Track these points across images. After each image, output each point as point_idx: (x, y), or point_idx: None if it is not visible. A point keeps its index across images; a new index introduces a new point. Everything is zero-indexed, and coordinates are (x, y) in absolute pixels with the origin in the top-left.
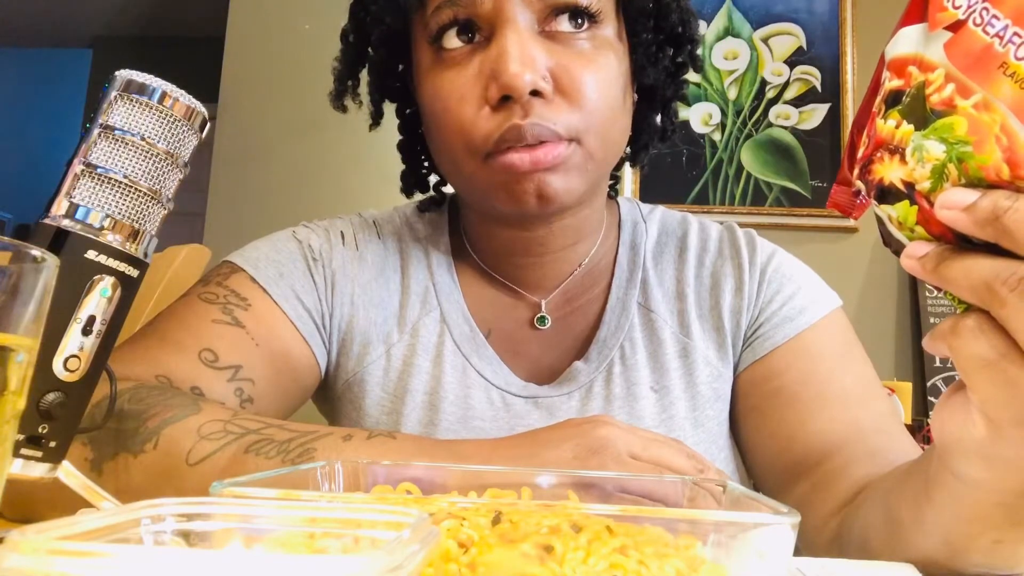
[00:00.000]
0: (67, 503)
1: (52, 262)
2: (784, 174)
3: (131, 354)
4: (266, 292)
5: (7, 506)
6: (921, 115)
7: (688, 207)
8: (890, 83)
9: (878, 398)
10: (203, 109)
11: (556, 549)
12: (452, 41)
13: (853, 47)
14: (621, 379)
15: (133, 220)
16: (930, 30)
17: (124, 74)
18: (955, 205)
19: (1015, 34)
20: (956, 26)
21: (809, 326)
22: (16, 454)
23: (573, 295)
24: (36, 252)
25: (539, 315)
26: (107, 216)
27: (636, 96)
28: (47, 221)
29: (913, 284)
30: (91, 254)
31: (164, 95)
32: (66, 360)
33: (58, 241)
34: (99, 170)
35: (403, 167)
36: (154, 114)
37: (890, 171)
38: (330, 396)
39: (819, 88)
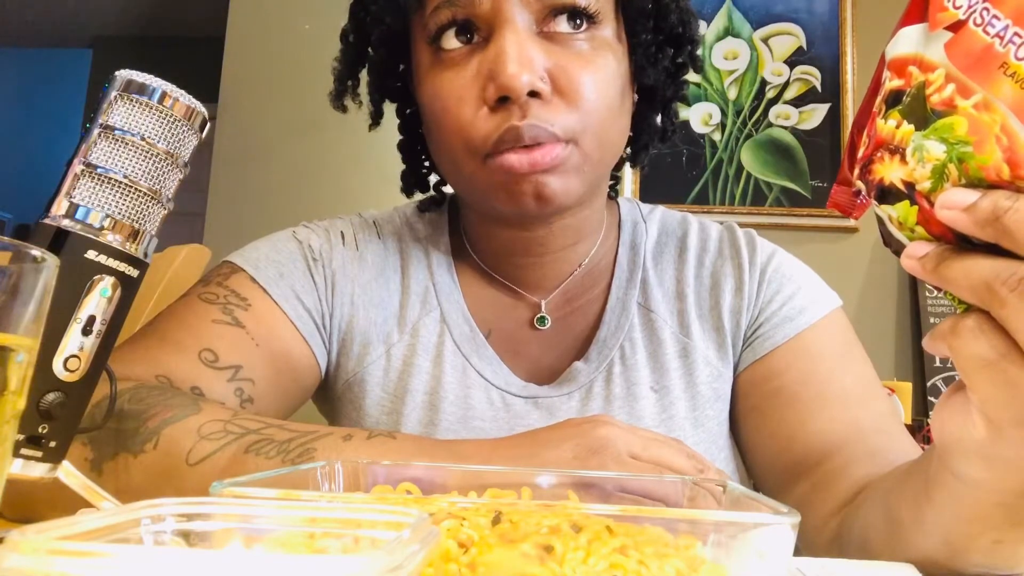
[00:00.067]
0: (67, 503)
1: (52, 262)
2: (784, 174)
3: (131, 354)
4: (266, 292)
5: (7, 506)
6: (921, 115)
7: (688, 207)
8: (890, 83)
9: (878, 398)
10: (203, 109)
11: (556, 549)
12: (451, 41)
13: (853, 47)
14: (621, 379)
15: (133, 220)
16: (930, 30)
17: (124, 74)
18: (955, 205)
19: (1015, 34)
20: (956, 26)
21: (809, 326)
22: (16, 454)
23: (573, 295)
24: (36, 252)
25: (539, 315)
26: (107, 216)
27: (636, 97)
28: (47, 221)
29: (913, 284)
30: (91, 254)
31: (164, 95)
32: (66, 360)
33: (58, 241)
34: (99, 170)
35: (403, 167)
36: (154, 114)
37: (890, 171)
38: (330, 396)
39: (819, 88)
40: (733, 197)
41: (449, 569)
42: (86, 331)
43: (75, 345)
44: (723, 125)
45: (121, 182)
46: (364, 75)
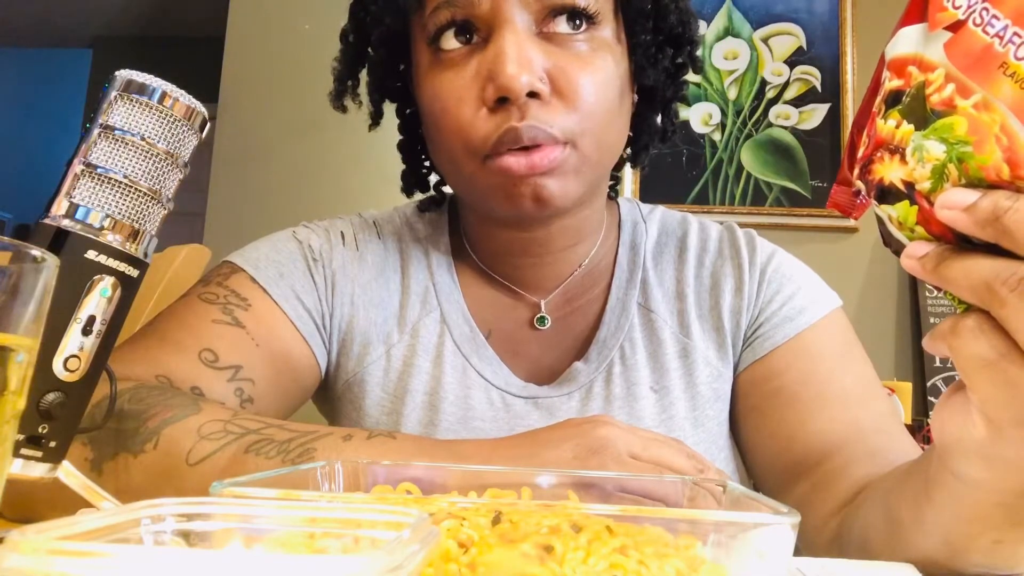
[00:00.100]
0: (67, 503)
1: (52, 262)
2: (784, 174)
3: (131, 354)
4: (266, 292)
5: (7, 506)
6: (921, 115)
7: (688, 207)
8: (890, 83)
9: (878, 398)
10: (203, 109)
11: (556, 549)
12: (450, 42)
13: (853, 47)
14: (621, 379)
15: (133, 220)
16: (930, 30)
17: (124, 74)
18: (955, 205)
19: (1015, 34)
20: (956, 26)
21: (809, 326)
22: (16, 454)
23: (573, 295)
24: (36, 252)
25: (539, 315)
26: (107, 216)
27: (636, 97)
28: (47, 221)
29: (913, 284)
30: (91, 254)
31: (164, 95)
32: (66, 360)
33: (58, 241)
34: (99, 170)
35: (403, 167)
36: (154, 114)
37: (890, 171)
38: (330, 396)
39: (819, 88)
40: (733, 197)
41: (449, 569)
42: (86, 331)
43: (75, 345)
44: (723, 125)
45: (121, 182)
46: (364, 75)
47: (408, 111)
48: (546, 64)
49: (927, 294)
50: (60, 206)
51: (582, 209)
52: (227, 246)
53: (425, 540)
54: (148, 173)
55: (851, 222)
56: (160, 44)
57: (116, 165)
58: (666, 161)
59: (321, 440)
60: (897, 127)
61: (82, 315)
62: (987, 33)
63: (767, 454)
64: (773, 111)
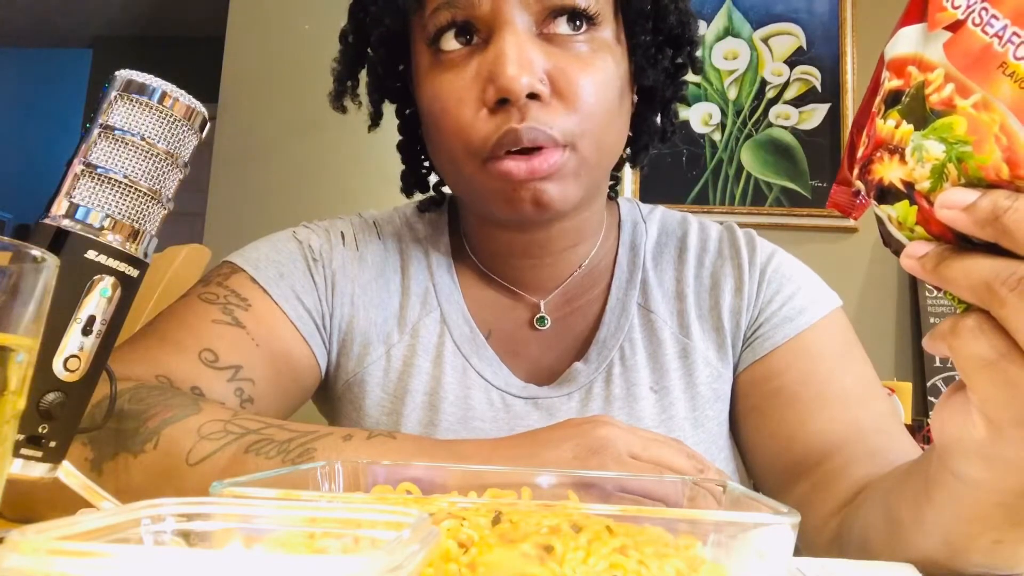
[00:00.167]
0: (67, 503)
1: (52, 262)
2: (784, 174)
3: (131, 354)
4: (266, 292)
5: (7, 506)
6: (921, 115)
7: (688, 207)
8: (890, 83)
9: (878, 398)
10: (203, 109)
11: (556, 549)
12: (450, 43)
13: (853, 47)
14: (621, 380)
15: (133, 220)
16: (929, 30)
17: (124, 74)
18: (955, 205)
19: (1014, 34)
20: (955, 26)
21: (809, 326)
22: (16, 454)
23: (573, 296)
24: (36, 252)
25: (539, 316)
26: (107, 216)
27: (636, 97)
28: (47, 221)
29: (913, 284)
30: (91, 254)
31: (164, 95)
32: (66, 360)
33: (58, 241)
34: (99, 170)
35: (403, 167)
36: (154, 114)
37: (890, 171)
38: (330, 396)
39: (819, 88)
40: (733, 197)
41: (449, 569)
42: (86, 331)
43: (75, 345)
44: (723, 125)
45: (121, 182)
46: (363, 76)
47: (408, 112)
48: (546, 65)
49: (927, 294)
50: (60, 206)
51: (582, 211)
52: (227, 246)
53: (425, 540)
54: (148, 173)
55: (851, 222)
56: (160, 44)
57: (116, 165)
58: (666, 161)
59: (321, 440)
60: (897, 127)
61: (82, 315)
62: (986, 33)
63: (767, 454)
64: (773, 111)
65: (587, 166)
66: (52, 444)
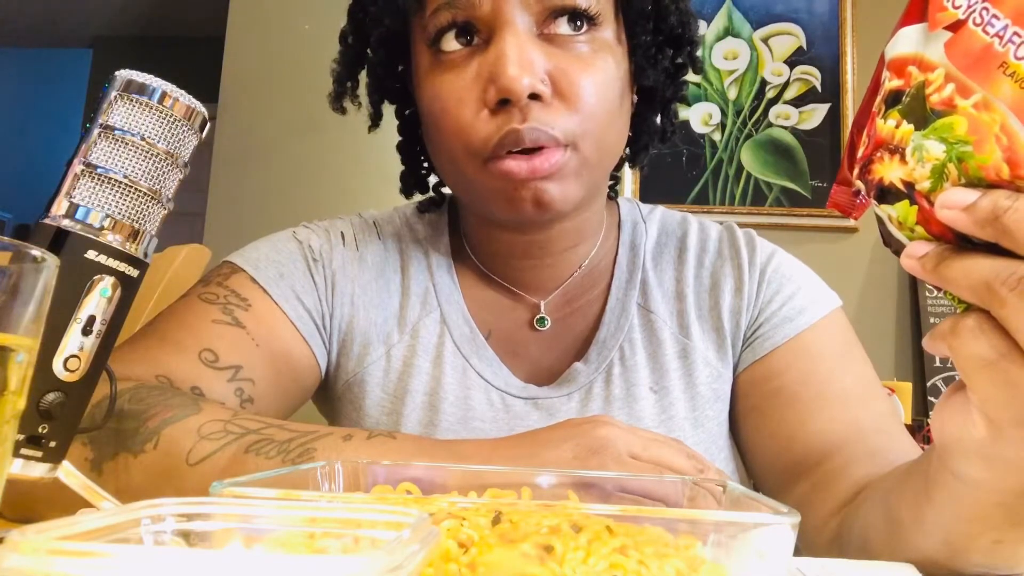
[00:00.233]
0: (67, 503)
1: (52, 262)
2: (784, 174)
3: (131, 354)
4: (266, 292)
5: (7, 506)
6: (921, 115)
7: (688, 207)
8: (890, 83)
9: (878, 398)
10: (203, 109)
11: (556, 549)
12: (451, 43)
13: (853, 47)
14: (620, 380)
15: (133, 220)
16: (930, 30)
17: (124, 74)
18: (955, 205)
19: (1015, 34)
20: (956, 26)
21: (809, 326)
22: (16, 454)
23: (573, 296)
24: (36, 252)
25: (539, 316)
26: (107, 216)
27: (636, 97)
28: (47, 221)
29: (913, 284)
30: (91, 254)
31: (164, 95)
32: (66, 360)
33: (58, 241)
34: (99, 170)
35: (403, 168)
36: (154, 114)
37: (890, 171)
38: (330, 396)
39: (819, 88)
40: (733, 197)
41: (449, 569)
42: (86, 331)
43: (75, 345)
44: (723, 125)
45: (121, 182)
46: (363, 76)
47: (407, 112)
48: (547, 66)
49: (927, 294)
50: (60, 206)
51: (582, 211)
52: (227, 246)
53: (425, 540)
54: (148, 173)
55: (851, 222)
56: (160, 44)
57: (116, 165)
58: (666, 161)
59: (321, 440)
60: (897, 127)
61: (82, 315)
62: (987, 33)
63: (767, 454)
64: (773, 111)
65: (588, 166)
66: (52, 444)
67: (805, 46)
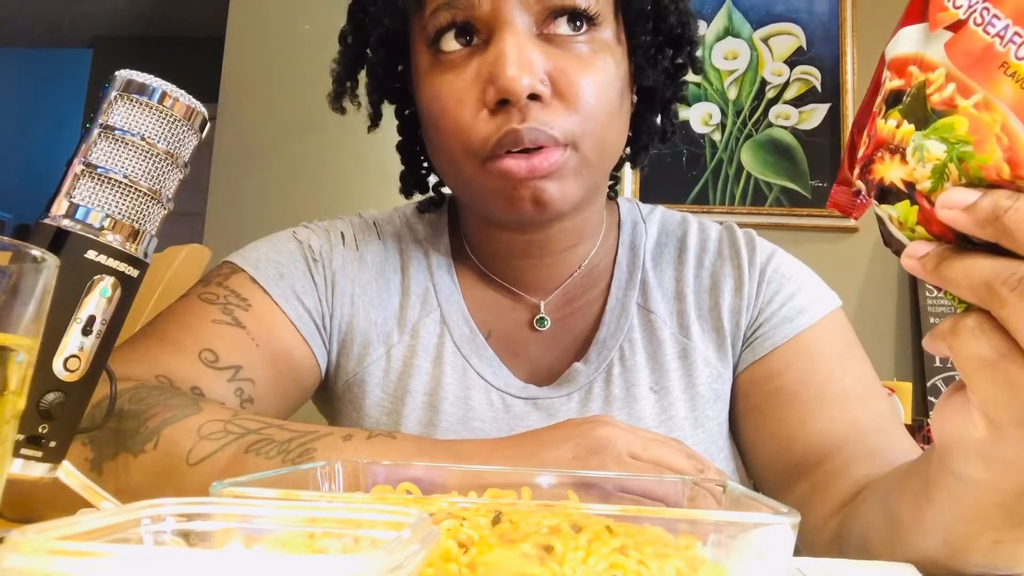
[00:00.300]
0: (67, 503)
1: (52, 262)
2: (784, 174)
3: (131, 354)
4: (266, 292)
5: (7, 506)
6: (922, 115)
7: (688, 207)
8: (890, 83)
9: (878, 398)
10: (203, 109)
11: (556, 549)
12: (450, 44)
13: (853, 47)
14: (620, 380)
15: (133, 220)
16: (931, 30)
17: (124, 74)
18: (956, 205)
19: (1016, 34)
20: (957, 26)
21: (809, 326)
22: (16, 454)
23: (572, 296)
24: (36, 252)
25: (538, 316)
26: (107, 216)
27: (635, 98)
28: (47, 221)
29: (913, 284)
30: (91, 254)
31: (164, 95)
32: (66, 360)
33: (58, 241)
34: (99, 170)
35: (402, 167)
36: (154, 114)
37: (891, 171)
38: (330, 396)
39: (819, 88)
40: (733, 197)
41: (449, 569)
42: (86, 331)
43: (75, 345)
44: (723, 125)
45: (121, 182)
46: (363, 76)
47: (407, 112)
48: (547, 66)
49: (927, 294)
50: (60, 206)
51: (582, 211)
52: (227, 246)
53: (425, 540)
54: (148, 173)
55: (851, 222)
56: (160, 44)
57: (116, 165)
58: (666, 161)
59: (321, 440)
60: (898, 127)
61: (82, 315)
62: (988, 33)
63: (767, 454)
64: (773, 111)
65: (588, 166)
66: (52, 444)
67: (805, 46)
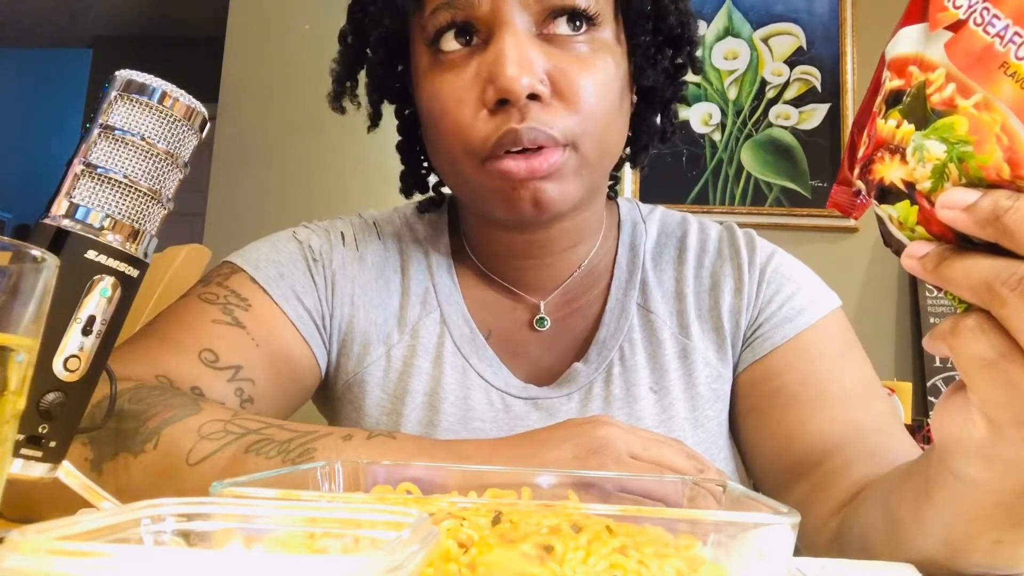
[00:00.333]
0: (67, 503)
1: (52, 262)
2: (784, 174)
3: (131, 354)
4: (266, 293)
5: (7, 506)
6: (922, 115)
7: (688, 207)
8: (891, 83)
9: (878, 398)
10: (203, 109)
11: (556, 549)
12: (450, 43)
13: (853, 47)
14: (620, 380)
15: (133, 220)
16: (931, 30)
17: (124, 74)
18: (956, 205)
19: (1016, 34)
20: (957, 26)
21: (809, 326)
22: (16, 454)
23: (572, 296)
24: (36, 252)
25: (538, 316)
26: (107, 216)
27: (635, 98)
28: (47, 221)
29: (913, 284)
30: (91, 254)
31: (164, 95)
32: (66, 360)
33: (58, 241)
34: (99, 170)
35: (403, 167)
36: (154, 114)
37: (891, 171)
38: (330, 396)
39: (819, 88)
40: (733, 197)
41: (449, 569)
42: (86, 331)
43: (75, 345)
44: (723, 125)
45: (121, 182)
46: (363, 76)
47: (407, 112)
48: (546, 66)
49: (927, 294)
50: (60, 206)
51: (582, 211)
52: (227, 246)
53: (425, 540)
54: (148, 173)
55: (851, 222)
56: (160, 44)
57: (116, 165)
58: (666, 161)
59: (321, 440)
60: (898, 127)
61: (82, 315)
62: (988, 33)
63: (767, 454)
64: (773, 111)
65: (587, 166)
66: (52, 444)
67: (805, 46)
